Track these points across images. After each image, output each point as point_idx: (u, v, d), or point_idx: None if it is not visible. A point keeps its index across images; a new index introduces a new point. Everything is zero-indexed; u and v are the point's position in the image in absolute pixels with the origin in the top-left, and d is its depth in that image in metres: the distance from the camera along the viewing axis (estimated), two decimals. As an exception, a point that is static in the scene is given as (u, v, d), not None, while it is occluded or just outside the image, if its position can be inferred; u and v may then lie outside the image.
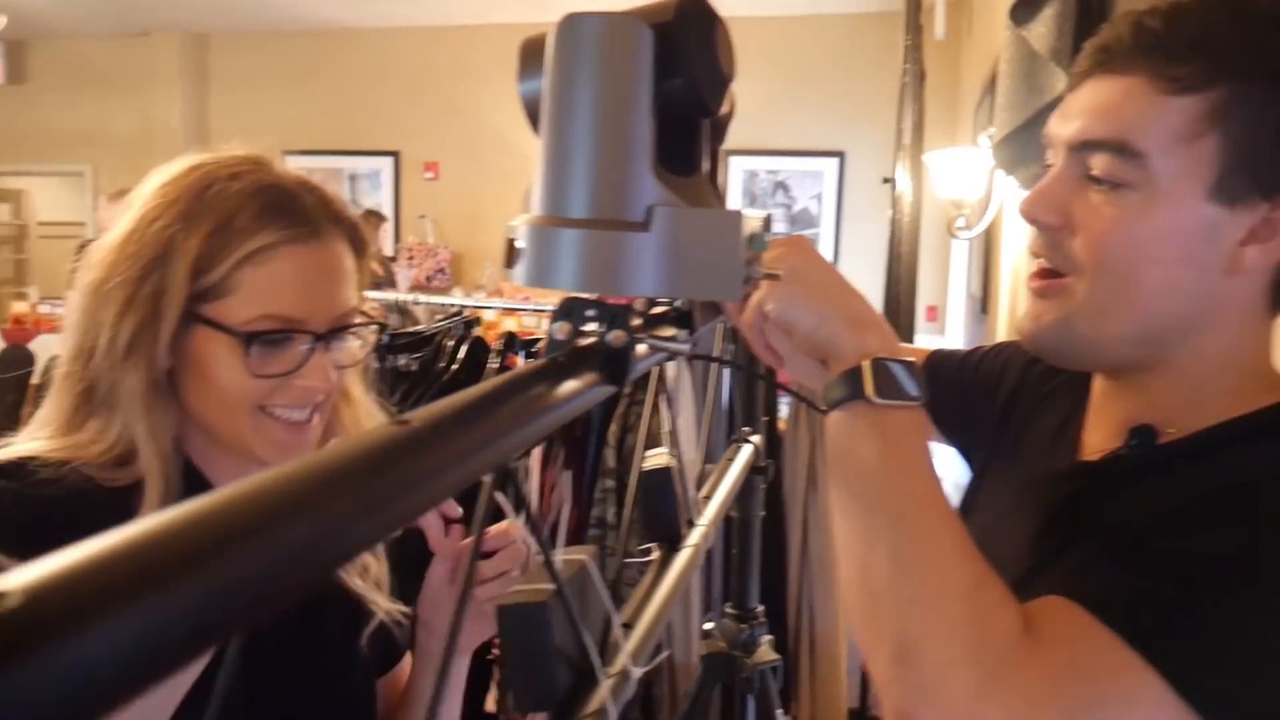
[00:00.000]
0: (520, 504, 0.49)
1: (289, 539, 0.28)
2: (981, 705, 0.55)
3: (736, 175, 6.70)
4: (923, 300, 6.26)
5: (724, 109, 0.66)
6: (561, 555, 0.77)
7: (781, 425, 2.51)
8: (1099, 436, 0.78)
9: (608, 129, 0.50)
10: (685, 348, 0.57)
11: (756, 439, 1.39)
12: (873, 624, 0.60)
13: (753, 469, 1.37)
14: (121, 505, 0.79)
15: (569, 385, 0.50)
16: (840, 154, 6.47)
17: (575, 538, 2.08)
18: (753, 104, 6.51)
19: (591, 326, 0.56)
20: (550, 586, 0.57)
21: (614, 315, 0.56)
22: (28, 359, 5.78)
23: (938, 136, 5.26)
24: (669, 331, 0.66)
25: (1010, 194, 2.40)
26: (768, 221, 0.66)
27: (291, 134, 7.17)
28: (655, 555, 0.92)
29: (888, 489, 0.61)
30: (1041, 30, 1.38)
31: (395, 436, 0.34)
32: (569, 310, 0.56)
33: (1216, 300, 0.68)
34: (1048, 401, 0.89)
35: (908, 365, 0.64)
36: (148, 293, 0.80)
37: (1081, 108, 0.71)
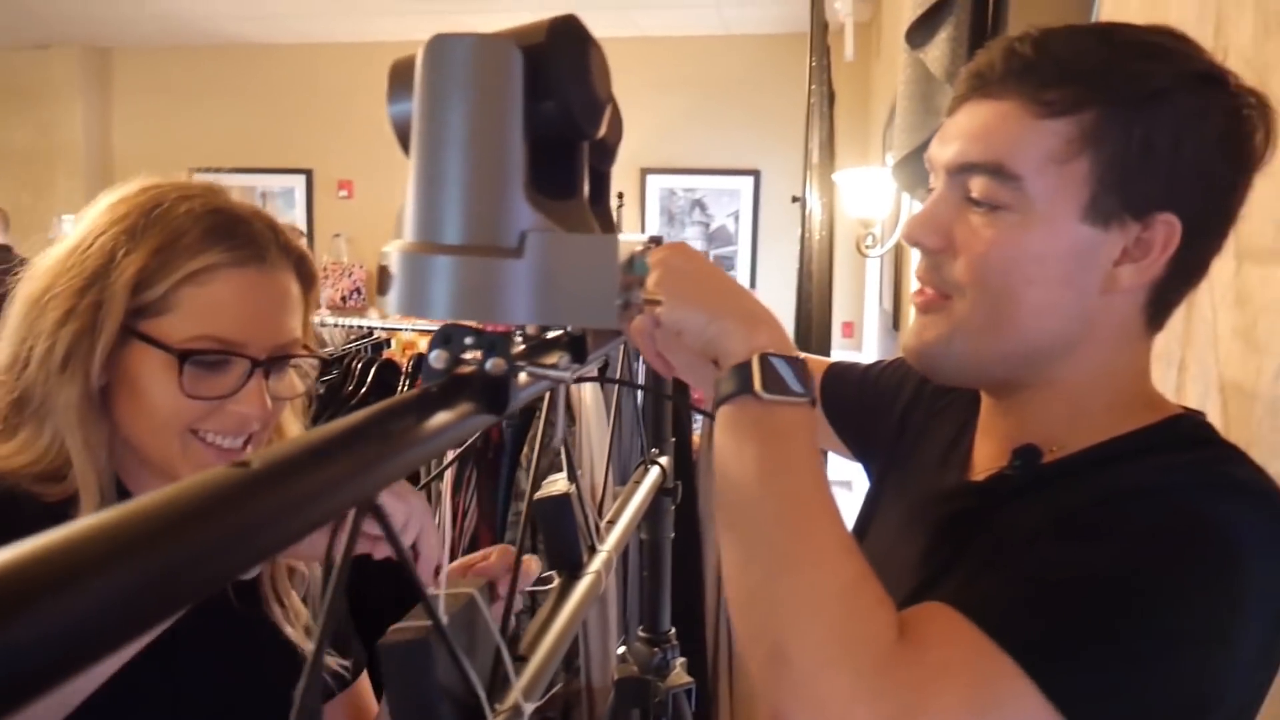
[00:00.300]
0: (391, 539, 0.47)
1: (102, 589, 0.26)
2: (854, 708, 0.54)
3: (654, 193, 6.73)
4: (839, 316, 6.36)
5: (606, 131, 0.65)
6: (454, 588, 0.75)
7: (697, 443, 2.51)
8: (987, 455, 0.79)
9: (478, 153, 0.49)
10: (567, 375, 0.56)
11: (664, 460, 1.38)
12: (749, 623, 0.59)
13: (661, 490, 1.36)
14: (52, 520, 0.76)
15: (441, 417, 0.49)
16: (755, 172, 6.54)
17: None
18: (668, 122, 6.59)
19: (473, 354, 0.55)
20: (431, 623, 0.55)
21: (493, 343, 0.54)
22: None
23: (851, 155, 5.36)
24: (555, 358, 0.65)
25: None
26: (652, 244, 0.66)
27: (201, 151, 6.99)
28: (555, 584, 0.90)
29: (769, 486, 0.60)
30: (936, 53, 1.41)
31: (231, 480, 0.33)
32: (447, 337, 0.55)
33: (1093, 320, 0.69)
34: (940, 417, 0.90)
35: (796, 362, 0.64)
36: (88, 304, 0.79)
37: (959, 131, 0.72)
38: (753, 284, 6.63)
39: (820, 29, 2.74)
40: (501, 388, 0.54)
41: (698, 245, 6.76)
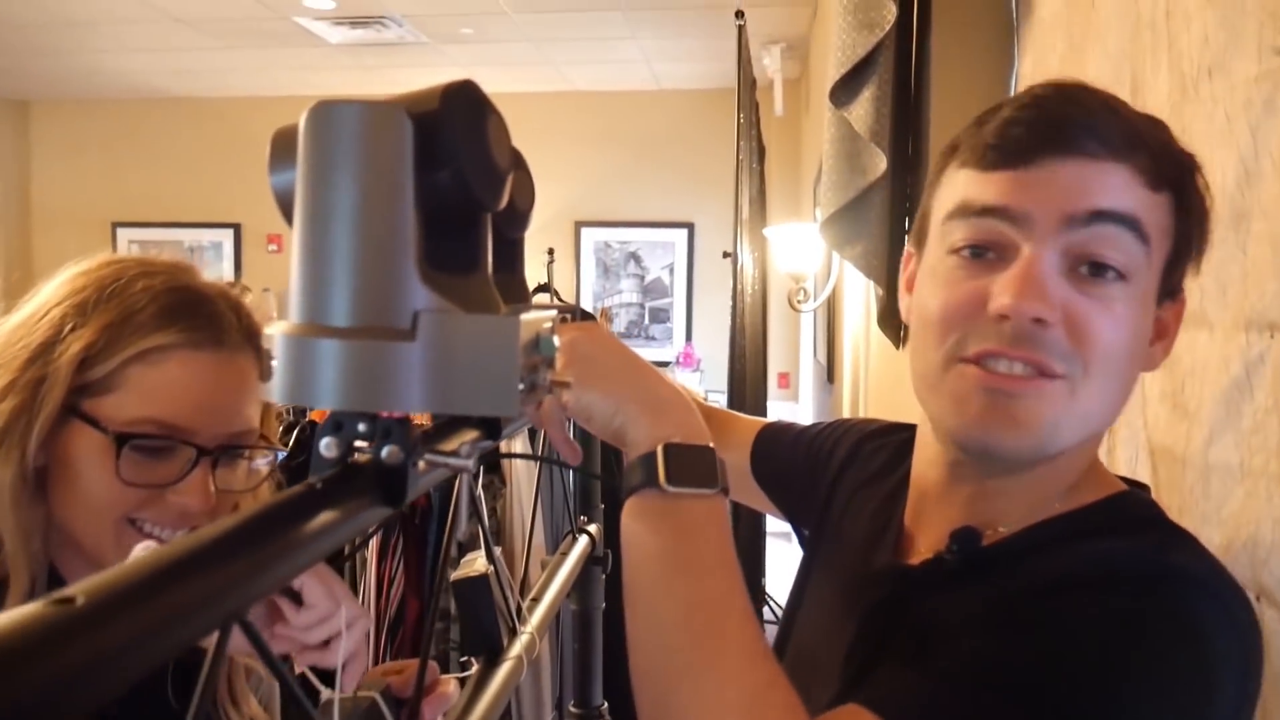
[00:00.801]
0: (261, 651, 0.42)
1: None
2: None
3: (589, 246, 6.73)
4: (774, 368, 6.39)
5: (516, 197, 0.62)
6: (363, 690, 0.70)
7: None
8: (923, 534, 0.74)
9: (366, 227, 0.45)
10: (469, 464, 0.52)
11: (593, 528, 1.34)
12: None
13: (590, 559, 1.32)
14: None
15: (325, 517, 0.44)
16: (690, 225, 6.59)
17: (415, 632, 1.97)
18: (602, 176, 6.62)
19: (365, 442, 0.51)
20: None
21: (388, 429, 0.50)
22: None
23: (783, 209, 5.43)
24: (463, 438, 0.61)
25: (848, 269, 2.47)
26: (565, 317, 0.62)
27: (125, 205, 6.83)
28: (474, 670, 0.85)
29: (674, 586, 0.56)
30: (860, 112, 1.41)
31: (47, 620, 0.28)
32: (338, 424, 0.50)
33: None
34: (870, 487, 0.86)
35: (704, 452, 0.60)
36: (29, 379, 0.74)
37: (1073, 180, 0.62)
38: (688, 336, 6.65)
39: (748, 86, 2.76)
40: (398, 478, 0.50)
41: (633, 297, 6.78)
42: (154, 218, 6.79)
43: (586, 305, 6.54)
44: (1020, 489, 0.68)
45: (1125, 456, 0.95)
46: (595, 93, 6.44)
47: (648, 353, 6.78)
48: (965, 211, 0.66)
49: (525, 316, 0.48)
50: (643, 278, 6.78)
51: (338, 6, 4.69)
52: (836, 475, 0.91)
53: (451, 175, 0.46)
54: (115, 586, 0.31)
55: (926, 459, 0.75)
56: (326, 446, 0.50)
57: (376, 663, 2.09)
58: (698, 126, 6.34)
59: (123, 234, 6.94)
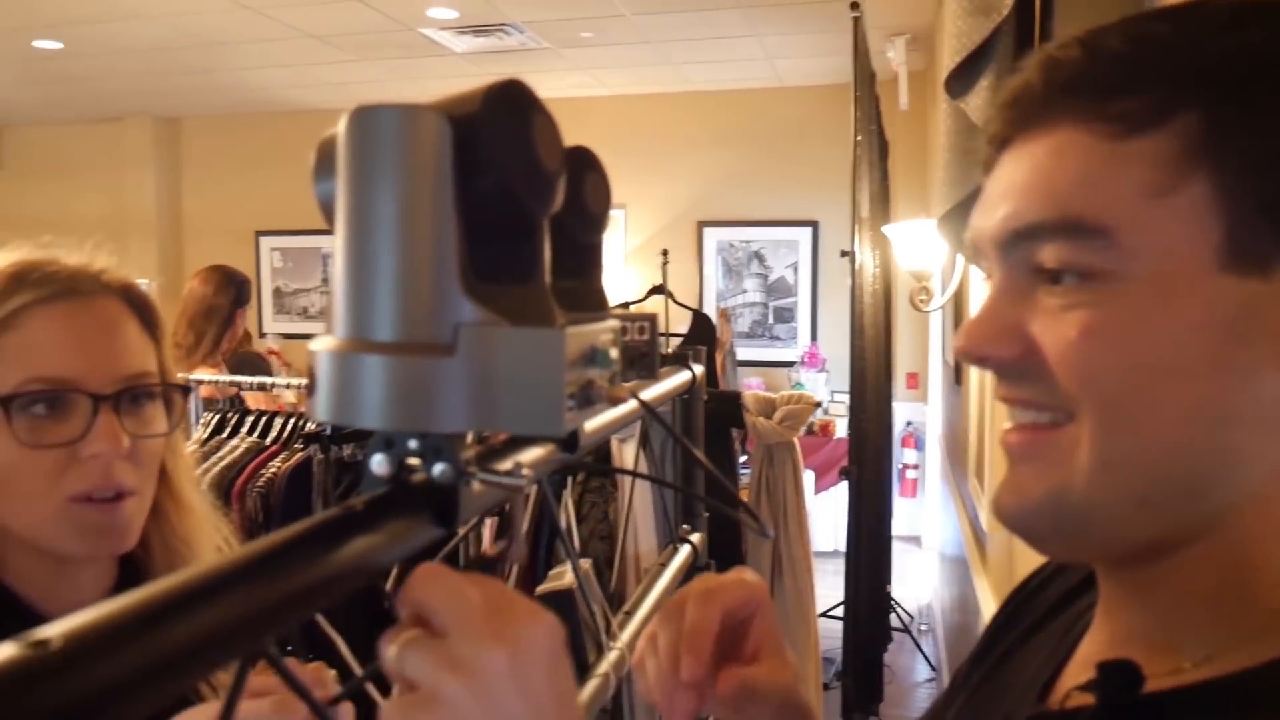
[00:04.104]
0: (292, 684, 0.40)
1: None
2: None
3: (711, 246, 6.69)
4: (903, 368, 6.22)
5: (591, 200, 0.59)
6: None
7: (746, 497, 2.42)
8: (1077, 669, 0.55)
9: (405, 236, 0.43)
10: (523, 483, 0.49)
11: (696, 537, 1.30)
12: None
13: (693, 570, 1.28)
14: None
15: (364, 542, 0.42)
16: (814, 223, 6.47)
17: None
18: (725, 175, 6.57)
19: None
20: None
21: (439, 447, 0.48)
22: None
23: (910, 206, 5.27)
24: (531, 454, 0.58)
25: (972, 267, 2.36)
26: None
27: (265, 214, 7.15)
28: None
29: None
30: (978, 102, 1.34)
31: (17, 663, 0.26)
32: (389, 441, 0.48)
33: (1273, 424, 0.46)
34: (1045, 627, 0.64)
35: None
36: None
37: (1005, 188, 0.51)
38: (813, 336, 6.53)
39: (866, 80, 2.68)
40: (448, 499, 0.48)
41: (756, 297, 6.69)
42: (294, 225, 7.07)
43: (709, 306, 6.49)
44: (1182, 591, 0.49)
45: None
46: (716, 92, 6.39)
47: (772, 353, 6.70)
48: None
49: (576, 329, 0.45)
50: (766, 277, 6.70)
51: (460, 16, 4.78)
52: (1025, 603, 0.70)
53: (495, 181, 0.43)
54: (99, 626, 0.29)
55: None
56: (378, 464, 0.48)
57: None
58: (822, 122, 6.22)
59: (265, 241, 7.26)
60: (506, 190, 0.44)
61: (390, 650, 0.41)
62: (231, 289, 3.27)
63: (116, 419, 0.78)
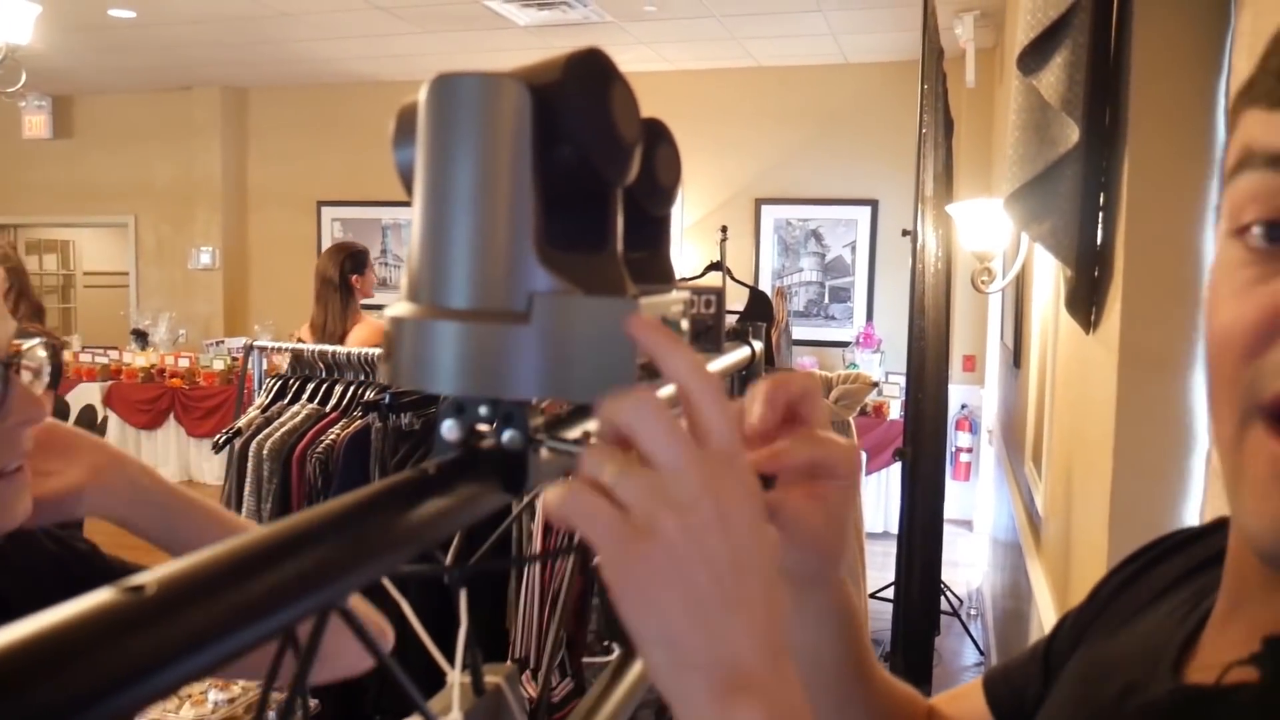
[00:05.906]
0: (364, 639, 0.41)
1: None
2: None
3: (769, 224, 6.64)
4: (959, 350, 6.14)
5: (661, 173, 0.59)
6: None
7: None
8: (1220, 644, 0.51)
9: (482, 204, 0.43)
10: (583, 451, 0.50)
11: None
12: None
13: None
14: None
15: (436, 504, 0.43)
16: (873, 202, 6.39)
17: (578, 606, 2.00)
18: (784, 153, 6.51)
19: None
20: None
21: (509, 414, 0.48)
22: (63, 410, 5.84)
23: (974, 185, 5.18)
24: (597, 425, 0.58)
25: (1036, 248, 2.32)
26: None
27: (327, 184, 7.24)
28: (614, 656, 0.84)
29: None
30: (1051, 79, 1.31)
31: (115, 610, 0.27)
32: (460, 407, 0.49)
33: None
34: (1156, 606, 0.62)
35: None
36: None
37: None
38: (869, 316, 6.47)
39: (934, 57, 2.63)
40: (518, 465, 0.49)
41: (813, 276, 6.64)
42: (354, 196, 7.15)
43: (765, 284, 6.46)
44: None
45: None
46: (780, 68, 6.32)
47: (827, 332, 6.65)
48: (1249, 162, 0.45)
49: (649, 299, 0.45)
50: (823, 256, 6.64)
51: (524, -12, 4.78)
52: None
53: (574, 150, 0.43)
54: (191, 574, 0.30)
55: (1240, 540, 0.52)
56: (449, 429, 0.49)
57: (537, 636, 2.14)
58: (885, 100, 6.13)
59: (326, 212, 7.37)
60: (584, 160, 0.44)
61: (609, 468, 0.42)
62: (343, 259, 3.49)
63: (19, 380, 0.75)
